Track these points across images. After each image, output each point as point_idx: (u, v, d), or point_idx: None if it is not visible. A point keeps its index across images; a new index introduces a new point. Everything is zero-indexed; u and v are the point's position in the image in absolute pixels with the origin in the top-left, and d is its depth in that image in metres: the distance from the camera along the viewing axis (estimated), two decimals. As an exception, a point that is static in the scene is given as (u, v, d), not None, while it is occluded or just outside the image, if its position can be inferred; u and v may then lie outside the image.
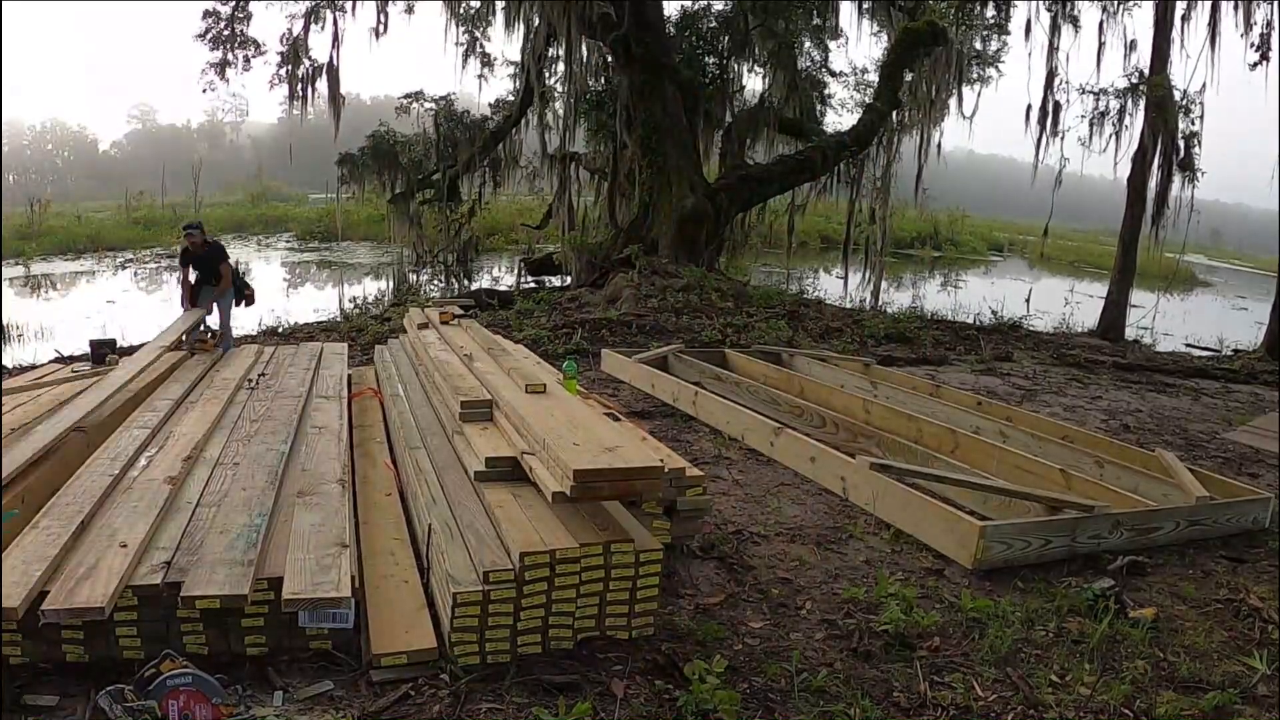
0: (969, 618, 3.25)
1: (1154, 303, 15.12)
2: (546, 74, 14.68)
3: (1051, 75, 14.16)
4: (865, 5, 15.48)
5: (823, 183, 15.92)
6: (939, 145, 15.60)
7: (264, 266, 21.86)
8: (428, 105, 15.54)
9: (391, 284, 15.36)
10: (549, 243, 17.06)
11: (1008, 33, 15.92)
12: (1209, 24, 12.41)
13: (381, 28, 14.37)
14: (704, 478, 3.85)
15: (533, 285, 14.91)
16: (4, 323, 10.03)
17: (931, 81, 14.92)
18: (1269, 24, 12.04)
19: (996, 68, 16.29)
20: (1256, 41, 12.13)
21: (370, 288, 16.31)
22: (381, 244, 20.94)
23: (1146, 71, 13.12)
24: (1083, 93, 14.29)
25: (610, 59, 14.31)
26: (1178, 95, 12.80)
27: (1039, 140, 14.23)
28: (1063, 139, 14.28)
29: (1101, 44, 13.96)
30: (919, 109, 15.29)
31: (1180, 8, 12.65)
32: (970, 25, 15.62)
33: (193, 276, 6.91)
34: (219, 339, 6.71)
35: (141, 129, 79.09)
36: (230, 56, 14.38)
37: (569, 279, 14.46)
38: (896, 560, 3.88)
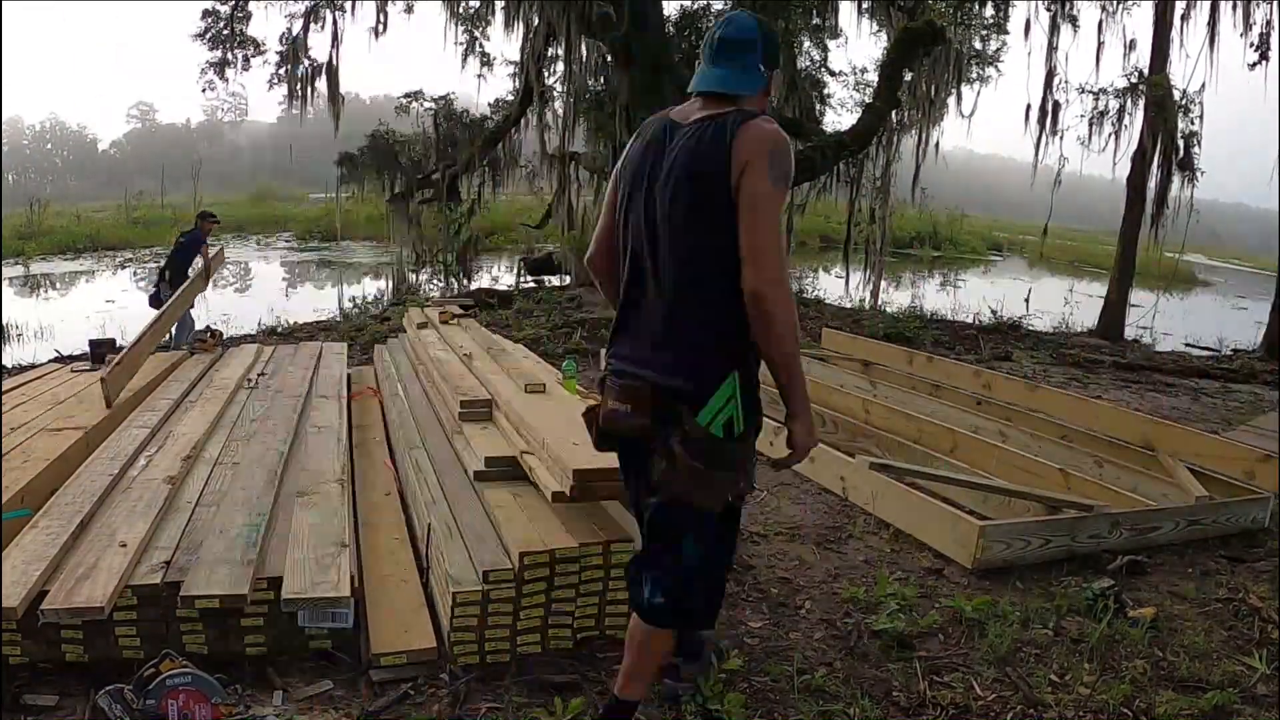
0: (968, 617, 3.25)
1: (1153, 302, 15.12)
2: (546, 74, 14.67)
3: (1051, 75, 14.16)
4: (865, 5, 15.47)
5: (823, 182, 15.91)
6: (938, 145, 15.60)
7: (264, 266, 21.86)
8: (427, 105, 15.55)
9: (391, 284, 15.36)
10: (549, 242, 17.07)
11: (1007, 32, 15.91)
12: (1208, 24, 12.41)
13: (381, 27, 14.36)
14: (703, 477, 3.84)
15: (532, 285, 14.91)
16: (4, 323, 10.03)
17: (931, 81, 14.92)
18: (1268, 24, 12.03)
19: (996, 67, 16.29)
20: (1256, 41, 12.12)
21: (370, 287, 16.32)
22: (381, 244, 20.94)
23: (1146, 71, 13.12)
24: (1082, 92, 14.29)
25: (610, 59, 14.30)
26: (1177, 95, 12.79)
27: (1038, 140, 14.21)
28: (1062, 139, 14.27)
29: (1101, 43, 13.96)
30: (918, 109, 15.30)
31: (1179, 7, 12.66)
32: (969, 25, 15.62)
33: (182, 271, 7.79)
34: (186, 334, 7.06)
35: (141, 128, 79.14)
36: (229, 56, 14.36)
37: (569, 279, 14.47)
38: (896, 560, 3.88)
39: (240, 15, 14.26)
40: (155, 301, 8.18)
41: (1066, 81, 14.46)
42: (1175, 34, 12.66)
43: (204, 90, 18.96)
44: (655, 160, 2.04)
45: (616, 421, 2.08)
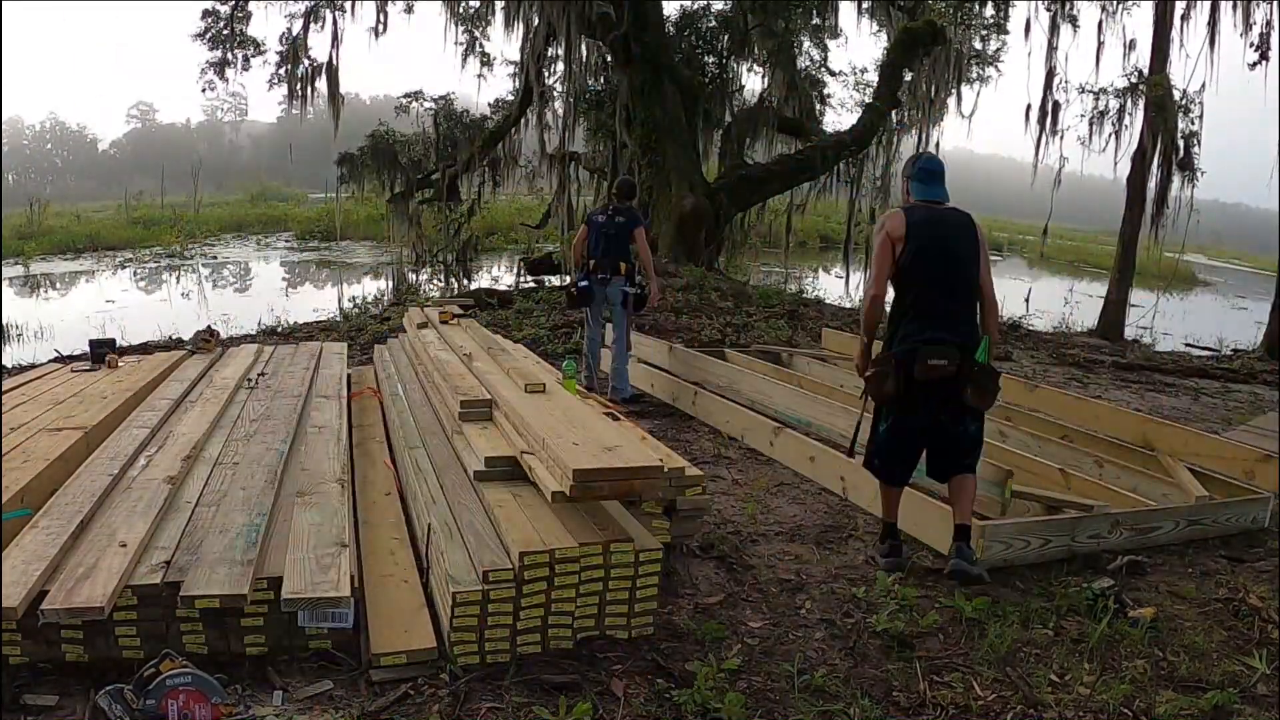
0: (968, 617, 3.25)
1: (1153, 302, 15.11)
2: (546, 74, 14.68)
3: (1051, 74, 14.16)
4: (865, 5, 15.49)
5: (822, 182, 15.93)
6: (938, 145, 15.61)
7: (263, 266, 21.87)
8: (427, 105, 15.57)
9: (391, 284, 15.34)
10: (549, 242, 17.07)
11: (1007, 32, 15.96)
12: (1208, 24, 12.41)
13: (381, 27, 14.39)
14: (703, 477, 3.85)
15: (532, 285, 14.89)
16: (4, 323, 10.03)
17: (931, 81, 14.94)
18: (1268, 24, 12.02)
19: (996, 67, 16.32)
20: (1256, 41, 12.10)
21: (370, 287, 16.30)
22: (381, 244, 20.93)
23: (1146, 71, 13.11)
24: (1082, 92, 14.30)
25: (610, 59, 14.31)
26: (1177, 95, 12.79)
27: (1038, 140, 14.22)
28: (1062, 138, 14.28)
29: (1101, 43, 13.97)
30: (918, 109, 15.31)
31: (1180, 7, 12.64)
32: (969, 25, 15.64)
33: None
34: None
35: (141, 128, 79.10)
36: (229, 56, 14.39)
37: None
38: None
39: (240, 15, 14.28)
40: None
41: (1066, 81, 14.51)
42: (1175, 34, 12.65)
43: (204, 90, 19.01)
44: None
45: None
